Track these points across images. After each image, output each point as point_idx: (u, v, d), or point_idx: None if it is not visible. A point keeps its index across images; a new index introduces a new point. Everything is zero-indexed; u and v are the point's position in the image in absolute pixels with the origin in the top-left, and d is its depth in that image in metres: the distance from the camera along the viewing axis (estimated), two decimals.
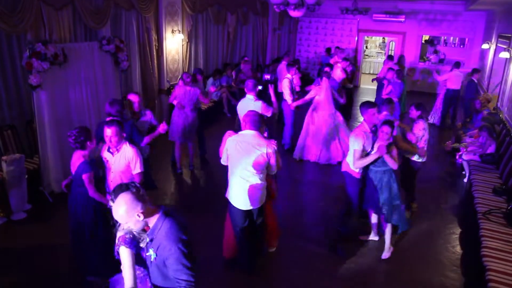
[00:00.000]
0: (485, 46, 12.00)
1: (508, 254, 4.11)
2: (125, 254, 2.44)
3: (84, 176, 3.69)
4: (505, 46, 9.06)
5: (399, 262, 4.68)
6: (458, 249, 5.01)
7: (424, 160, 5.42)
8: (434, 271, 4.54)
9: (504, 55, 8.72)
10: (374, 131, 4.53)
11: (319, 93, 7.36)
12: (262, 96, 5.88)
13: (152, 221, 2.38)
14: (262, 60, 13.55)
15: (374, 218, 4.94)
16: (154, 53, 8.29)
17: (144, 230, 2.44)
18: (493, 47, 11.05)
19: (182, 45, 9.15)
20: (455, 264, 4.68)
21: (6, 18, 4.95)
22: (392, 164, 4.38)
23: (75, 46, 5.90)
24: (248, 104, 5.46)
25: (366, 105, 4.62)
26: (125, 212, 2.27)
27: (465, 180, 6.92)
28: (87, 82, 6.09)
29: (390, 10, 14.55)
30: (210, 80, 10.11)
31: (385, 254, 4.74)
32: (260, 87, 5.72)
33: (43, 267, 4.29)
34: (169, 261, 2.36)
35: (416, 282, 4.36)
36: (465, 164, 7.00)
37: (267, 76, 6.10)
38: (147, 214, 2.33)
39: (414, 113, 5.42)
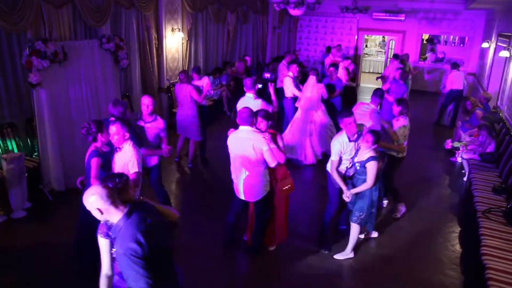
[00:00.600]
0: (485, 45, 12.00)
1: (507, 252, 4.12)
2: (101, 243, 2.62)
3: (92, 160, 3.74)
4: (505, 45, 9.06)
5: (399, 261, 4.69)
6: (458, 247, 5.01)
7: (403, 155, 5.35)
8: (434, 269, 4.55)
9: (504, 54, 8.72)
10: (359, 135, 4.41)
11: (305, 90, 7.37)
12: (261, 94, 5.88)
13: (115, 219, 2.40)
14: (262, 58, 13.55)
15: None
16: (154, 52, 8.29)
17: None
18: (493, 46, 11.05)
19: (182, 43, 9.14)
20: (454, 262, 4.69)
21: (6, 16, 4.94)
22: (367, 187, 4.31)
23: (75, 44, 5.90)
24: (248, 102, 5.46)
25: (342, 114, 4.46)
26: (90, 203, 2.38)
27: (465, 179, 6.93)
28: (87, 80, 6.08)
29: (390, 8, 14.55)
30: (210, 78, 10.10)
31: (339, 256, 4.65)
32: (259, 86, 5.72)
33: (43, 266, 4.29)
34: (121, 267, 2.39)
35: (416, 280, 4.37)
36: (464, 163, 7.02)
37: (267, 75, 6.09)
38: (108, 212, 2.38)
39: (395, 108, 5.29)
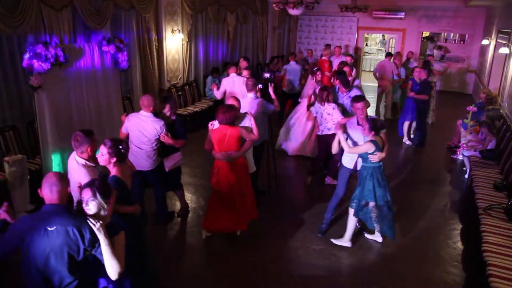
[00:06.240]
0: (485, 42, 11.99)
1: (508, 249, 4.11)
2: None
3: None
4: (505, 42, 9.05)
5: (401, 258, 4.70)
6: (459, 244, 5.02)
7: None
8: (436, 266, 4.56)
9: (504, 50, 8.72)
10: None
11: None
12: (263, 94, 5.94)
13: None
14: (262, 58, 13.57)
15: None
16: (154, 53, 8.32)
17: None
18: (493, 43, 11.04)
19: (182, 44, 9.17)
20: (456, 259, 4.70)
21: (7, 20, 4.98)
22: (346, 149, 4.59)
23: (75, 47, 5.92)
24: (248, 102, 5.48)
25: (355, 99, 4.87)
26: None
27: (466, 176, 6.93)
28: (87, 82, 6.10)
29: (389, 7, 14.54)
30: (210, 78, 10.13)
31: (336, 241, 4.89)
32: (260, 86, 5.75)
33: None
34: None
35: (417, 278, 4.38)
36: (465, 160, 7.02)
37: (267, 75, 6.11)
38: None
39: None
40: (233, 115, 4.47)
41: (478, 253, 4.21)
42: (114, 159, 3.27)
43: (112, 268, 2.53)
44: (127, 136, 4.78)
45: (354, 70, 8.14)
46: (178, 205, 5.66)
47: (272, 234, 5.11)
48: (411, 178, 7.00)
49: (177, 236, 5.19)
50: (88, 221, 2.51)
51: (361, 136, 4.60)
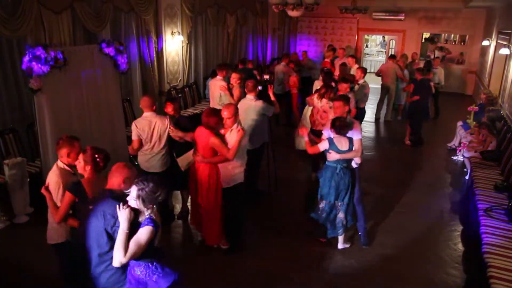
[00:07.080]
0: (485, 43, 11.98)
1: (509, 250, 4.10)
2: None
3: None
4: (505, 43, 9.04)
5: (401, 260, 4.69)
6: (459, 246, 5.01)
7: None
8: (436, 268, 4.54)
9: (504, 51, 8.71)
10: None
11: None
12: (262, 96, 5.94)
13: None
14: (262, 60, 13.57)
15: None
16: (154, 55, 8.32)
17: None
18: (493, 43, 11.03)
19: (182, 46, 9.17)
20: (456, 261, 4.69)
21: (7, 23, 5.00)
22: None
23: (75, 49, 5.92)
24: (248, 104, 5.48)
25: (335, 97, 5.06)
26: None
27: (467, 177, 6.91)
28: (87, 85, 6.09)
29: (389, 8, 14.54)
30: (209, 80, 10.12)
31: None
32: (260, 88, 5.75)
33: (45, 270, 4.31)
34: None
35: (418, 279, 4.37)
36: (466, 161, 7.00)
37: (266, 77, 6.11)
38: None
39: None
40: (213, 121, 4.26)
41: (478, 255, 4.20)
42: (88, 167, 3.28)
43: (116, 254, 2.59)
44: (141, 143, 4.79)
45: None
46: (177, 208, 5.66)
47: (272, 235, 5.11)
48: (411, 179, 6.99)
49: (177, 237, 5.19)
50: (118, 204, 2.64)
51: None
